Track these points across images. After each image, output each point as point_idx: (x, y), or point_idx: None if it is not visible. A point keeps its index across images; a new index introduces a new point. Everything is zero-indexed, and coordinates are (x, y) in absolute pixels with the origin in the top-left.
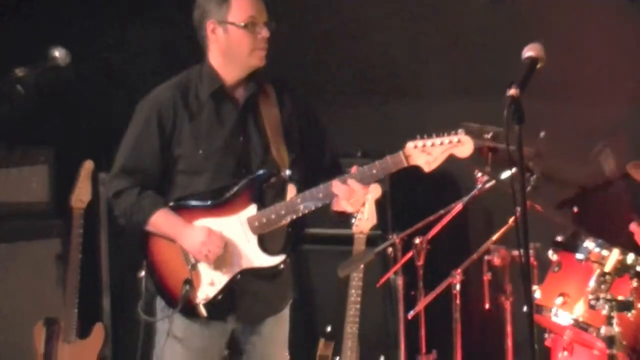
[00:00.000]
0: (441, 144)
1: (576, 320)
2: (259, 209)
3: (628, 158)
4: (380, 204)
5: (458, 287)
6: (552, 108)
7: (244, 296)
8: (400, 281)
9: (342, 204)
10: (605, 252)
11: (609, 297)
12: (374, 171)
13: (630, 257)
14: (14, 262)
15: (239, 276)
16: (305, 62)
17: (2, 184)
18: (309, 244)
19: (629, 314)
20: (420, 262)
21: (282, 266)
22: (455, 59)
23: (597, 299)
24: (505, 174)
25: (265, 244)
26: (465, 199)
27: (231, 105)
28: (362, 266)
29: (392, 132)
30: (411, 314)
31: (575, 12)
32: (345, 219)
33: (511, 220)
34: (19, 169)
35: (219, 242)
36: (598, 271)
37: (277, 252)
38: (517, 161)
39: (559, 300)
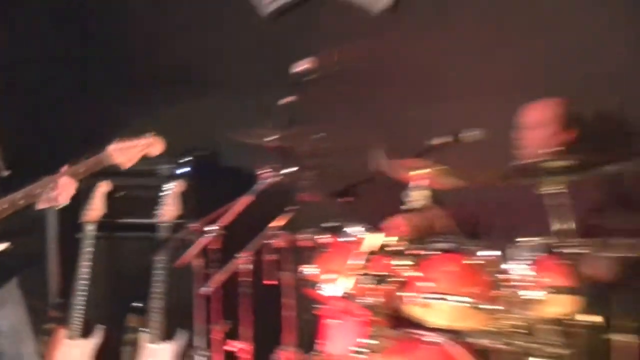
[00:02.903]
0: (136, 145)
1: (344, 292)
2: None
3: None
4: (184, 197)
5: (247, 266)
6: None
7: None
8: (197, 262)
9: (46, 202)
10: (363, 235)
11: (369, 272)
12: (83, 169)
13: (382, 238)
14: None
15: None
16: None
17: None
18: (121, 231)
19: (386, 286)
20: (215, 247)
21: (11, 248)
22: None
23: (360, 274)
24: (287, 170)
25: None
26: (253, 191)
27: None
28: (166, 249)
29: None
30: (203, 290)
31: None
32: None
33: (290, 209)
34: None
35: None
36: (358, 250)
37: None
38: (297, 158)
39: (329, 276)
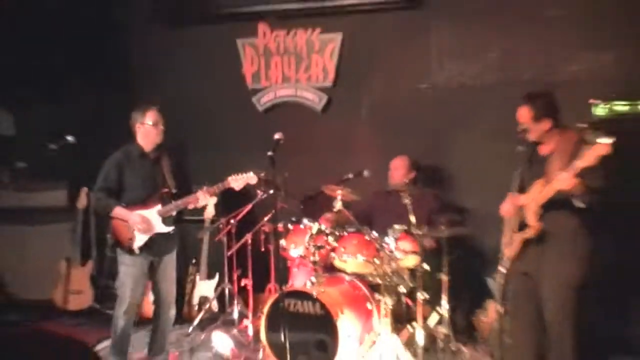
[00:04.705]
0: (242, 178)
1: (300, 254)
2: (162, 206)
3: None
4: (217, 205)
5: (249, 240)
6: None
7: (155, 244)
8: (224, 239)
9: (195, 204)
10: (310, 224)
11: (313, 243)
12: (215, 190)
13: (316, 227)
14: (50, 235)
15: (153, 235)
16: None
17: (42, 198)
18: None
19: (321, 250)
20: (233, 230)
21: (172, 232)
22: None
23: (309, 244)
24: (270, 191)
25: (164, 221)
26: (253, 202)
27: (148, 161)
28: (207, 232)
29: None
30: (228, 253)
31: None
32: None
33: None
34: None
35: (144, 221)
36: (309, 233)
37: (169, 225)
38: (274, 185)
39: (294, 245)
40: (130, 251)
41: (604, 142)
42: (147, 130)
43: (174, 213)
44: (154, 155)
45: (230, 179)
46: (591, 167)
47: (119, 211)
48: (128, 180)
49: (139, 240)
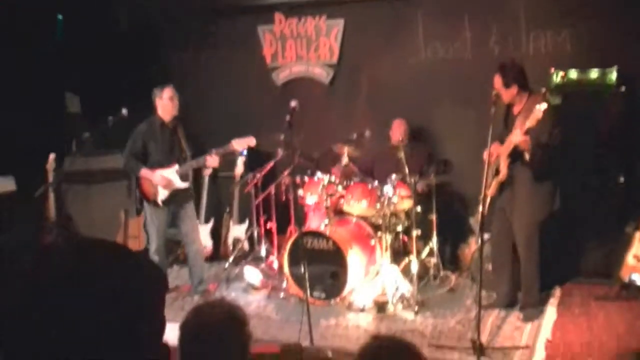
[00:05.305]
0: (244, 142)
1: (315, 201)
2: (179, 166)
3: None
4: (245, 166)
5: (272, 192)
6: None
7: (175, 197)
8: (252, 191)
9: (207, 164)
10: (322, 177)
11: (325, 192)
12: (222, 151)
13: (327, 179)
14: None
15: (173, 190)
16: None
17: (103, 162)
18: (219, 179)
19: (332, 197)
20: (259, 184)
21: (189, 186)
22: None
23: (323, 194)
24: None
25: (182, 178)
26: (274, 160)
27: (167, 130)
28: (238, 186)
29: None
30: (255, 201)
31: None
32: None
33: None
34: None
35: (166, 178)
36: (322, 184)
37: (186, 181)
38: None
39: (309, 193)
40: (155, 204)
41: (540, 109)
42: (165, 104)
43: (190, 171)
44: (171, 125)
45: (233, 142)
46: (537, 127)
47: (144, 172)
48: (151, 146)
49: (162, 194)
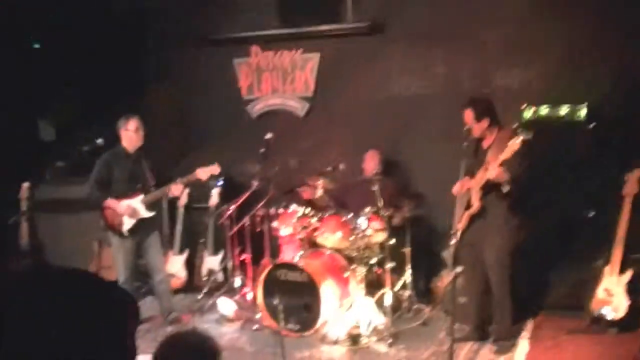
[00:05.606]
0: (210, 170)
1: (289, 233)
2: (144, 195)
3: None
4: (220, 194)
5: (248, 223)
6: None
7: (141, 226)
8: (227, 222)
9: (171, 193)
10: (297, 209)
11: (299, 224)
12: (185, 181)
13: (301, 211)
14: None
15: (138, 220)
16: None
17: (77, 191)
18: (194, 210)
19: (306, 230)
20: (234, 215)
21: (154, 215)
22: None
23: (297, 226)
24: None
25: (147, 208)
26: (249, 191)
27: (131, 159)
28: (212, 217)
29: None
30: (230, 233)
31: None
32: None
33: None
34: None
35: (131, 207)
36: (296, 216)
37: (151, 210)
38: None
39: (283, 225)
40: (120, 234)
41: (516, 141)
42: (130, 135)
43: (158, 200)
44: (135, 155)
45: (198, 170)
46: (511, 159)
47: (110, 202)
48: (115, 176)
49: (127, 224)
